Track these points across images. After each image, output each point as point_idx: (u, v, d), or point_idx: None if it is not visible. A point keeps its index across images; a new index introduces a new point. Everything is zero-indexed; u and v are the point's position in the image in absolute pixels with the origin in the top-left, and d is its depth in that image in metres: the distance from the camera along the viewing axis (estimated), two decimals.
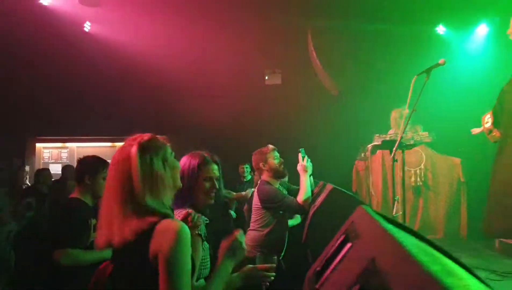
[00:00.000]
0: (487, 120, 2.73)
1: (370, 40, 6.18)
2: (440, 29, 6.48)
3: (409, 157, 5.21)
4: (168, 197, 1.32)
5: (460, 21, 6.20)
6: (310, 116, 6.46)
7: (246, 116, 6.79)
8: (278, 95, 7.00)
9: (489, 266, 3.52)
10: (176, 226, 1.21)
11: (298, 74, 6.85)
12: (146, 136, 1.34)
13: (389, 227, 0.81)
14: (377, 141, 5.44)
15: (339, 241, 0.99)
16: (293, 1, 5.67)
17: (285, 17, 5.99)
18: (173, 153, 1.39)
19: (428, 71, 3.00)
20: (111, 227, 1.25)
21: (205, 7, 6.05)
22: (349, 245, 0.93)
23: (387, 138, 5.08)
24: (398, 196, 3.46)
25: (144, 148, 1.29)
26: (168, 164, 1.33)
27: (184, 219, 1.59)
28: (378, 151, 5.53)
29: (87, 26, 6.64)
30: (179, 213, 1.67)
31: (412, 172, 5.15)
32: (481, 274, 1.78)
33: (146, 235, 1.21)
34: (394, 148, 3.02)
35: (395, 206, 3.16)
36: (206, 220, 1.74)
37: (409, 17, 6.06)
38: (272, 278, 1.61)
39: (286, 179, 3.26)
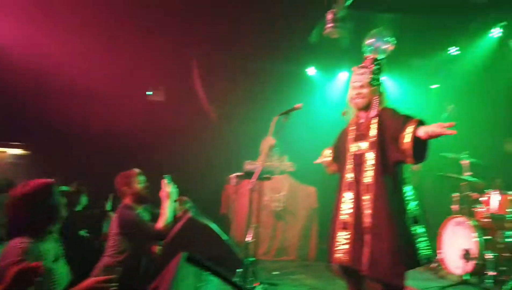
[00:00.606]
0: (328, 154, 3.20)
1: (250, 75, 6.65)
2: (311, 71, 7.29)
3: (274, 183, 5.71)
4: None
5: (327, 66, 7.09)
6: (190, 136, 6.58)
7: (124, 130, 6.59)
8: (159, 112, 6.97)
9: (326, 287, 4.07)
10: None
11: (182, 93, 6.94)
12: None
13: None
14: (246, 168, 5.85)
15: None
16: (179, 27, 5.79)
17: (171, 38, 6.06)
18: None
19: (286, 113, 3.38)
20: None
21: (91, 13, 5.77)
22: None
23: (253, 167, 5.51)
24: (256, 223, 3.77)
25: None
26: None
27: None
28: None
29: None
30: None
31: (275, 197, 5.65)
32: None
33: None
34: (253, 179, 3.31)
35: (250, 233, 3.44)
36: None
37: (284, 57, 6.69)
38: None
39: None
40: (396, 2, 5.33)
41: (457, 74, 6.13)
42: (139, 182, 3.13)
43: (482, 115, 5.42)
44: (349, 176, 2.80)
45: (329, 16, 5.21)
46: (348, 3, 5.04)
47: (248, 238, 3.44)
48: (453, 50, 6.16)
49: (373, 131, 2.70)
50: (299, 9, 5.50)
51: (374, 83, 2.76)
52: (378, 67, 2.83)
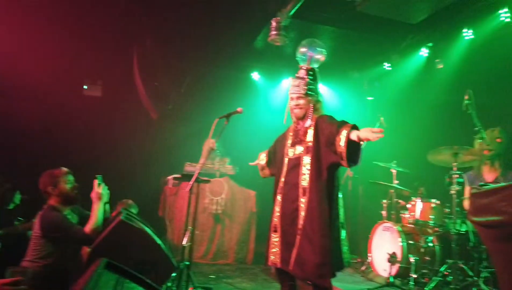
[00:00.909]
0: (263, 158, 3.25)
1: (194, 75, 6.56)
2: (255, 76, 7.38)
3: (214, 186, 5.67)
4: None
5: (271, 72, 7.21)
6: (128, 135, 6.33)
7: (59, 125, 6.18)
8: (96, 108, 6.63)
9: None
10: None
11: (121, 89, 6.65)
12: None
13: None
14: (186, 169, 5.75)
15: None
16: (120, 20, 5.52)
17: (111, 29, 5.78)
18: None
19: (227, 116, 3.38)
20: None
21: (24, 5, 5.33)
22: None
23: (193, 169, 5.43)
24: (194, 226, 3.70)
25: None
26: None
27: None
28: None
29: None
30: None
31: (215, 200, 5.60)
32: None
33: None
34: (191, 181, 3.26)
35: (186, 236, 3.38)
36: None
37: (229, 61, 6.70)
38: None
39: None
40: (337, 17, 5.59)
41: (390, 88, 6.53)
42: (67, 182, 2.94)
43: (410, 127, 5.82)
44: (283, 179, 2.87)
45: (274, 23, 5.32)
46: (291, 12, 5.18)
47: (184, 242, 3.38)
48: (387, 66, 6.56)
49: (310, 137, 2.79)
50: (245, 14, 5.54)
51: (310, 93, 2.86)
52: (312, 78, 2.93)
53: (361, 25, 5.65)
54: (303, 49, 3.10)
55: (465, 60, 5.25)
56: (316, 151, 2.74)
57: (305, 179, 2.72)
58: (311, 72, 2.93)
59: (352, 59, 6.89)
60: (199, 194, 5.39)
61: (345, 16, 5.43)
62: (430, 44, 5.73)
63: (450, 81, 5.43)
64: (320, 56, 3.08)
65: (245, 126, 7.04)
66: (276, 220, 2.84)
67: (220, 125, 3.41)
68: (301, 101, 2.85)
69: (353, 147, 2.54)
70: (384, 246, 4.35)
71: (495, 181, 4.17)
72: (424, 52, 5.82)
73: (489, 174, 4.08)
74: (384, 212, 4.76)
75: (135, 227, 2.67)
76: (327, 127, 2.71)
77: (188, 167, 5.73)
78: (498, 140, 4.07)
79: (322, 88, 7.22)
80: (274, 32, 5.29)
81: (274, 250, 2.79)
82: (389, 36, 5.98)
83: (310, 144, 2.77)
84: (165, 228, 5.47)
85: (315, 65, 3.06)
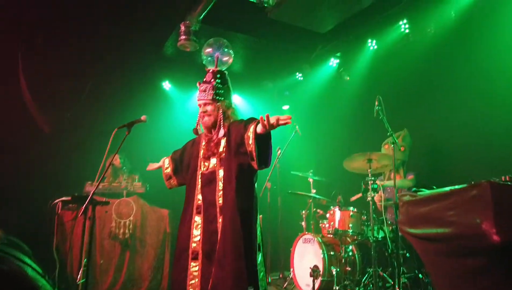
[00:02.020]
0: (167, 165, 2.88)
1: (101, 84, 5.87)
2: (166, 85, 6.93)
3: (120, 207, 5.07)
4: None
5: (182, 81, 6.81)
6: (13, 151, 5.37)
7: None
8: None
9: None
10: None
11: (1, 96, 5.57)
12: None
13: None
14: (87, 190, 5.06)
15: None
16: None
17: None
18: None
19: (129, 125, 2.93)
20: None
21: None
22: None
23: (91, 191, 4.79)
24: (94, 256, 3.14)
25: None
26: None
27: None
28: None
29: None
30: None
31: (122, 223, 4.99)
32: None
33: None
34: (84, 204, 2.73)
35: (80, 272, 2.82)
36: None
37: (139, 69, 6.18)
38: None
39: None
40: (249, 24, 5.45)
41: (303, 97, 6.57)
42: None
43: (325, 136, 5.88)
44: (199, 197, 2.53)
45: (183, 27, 4.98)
46: (201, 16, 4.89)
47: (78, 278, 2.81)
48: (299, 76, 6.61)
49: (222, 147, 2.51)
50: (152, 16, 5.10)
51: (218, 98, 2.57)
52: (221, 81, 2.65)
53: (273, 33, 5.60)
54: (208, 50, 2.79)
55: (371, 70, 5.46)
56: (229, 163, 2.45)
57: (221, 197, 2.42)
58: (218, 75, 2.64)
59: (265, 69, 6.82)
60: (99, 219, 4.78)
61: (258, 24, 5.33)
62: (338, 54, 5.87)
63: (359, 90, 5.59)
64: (227, 57, 2.80)
65: (156, 138, 6.52)
66: (195, 245, 2.47)
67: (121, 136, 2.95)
68: (209, 108, 2.56)
69: (263, 144, 2.33)
70: (306, 259, 4.19)
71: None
72: (333, 62, 5.95)
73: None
74: (303, 223, 4.63)
75: (3, 268, 2.08)
76: (237, 129, 2.47)
77: (89, 187, 5.05)
78: (402, 148, 4.20)
79: (236, 98, 7.05)
80: (183, 37, 4.94)
81: (192, 282, 2.41)
82: (300, 46, 6.03)
83: (224, 155, 2.47)
84: (61, 261, 4.69)
85: (223, 67, 2.78)
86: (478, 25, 4.13)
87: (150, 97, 6.61)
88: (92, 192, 2.73)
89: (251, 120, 2.42)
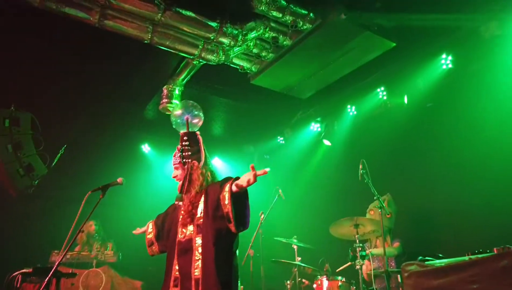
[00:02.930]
0: (150, 230, 2.66)
1: (72, 144, 5.68)
2: (146, 148, 6.81)
3: (89, 279, 4.65)
4: None
5: (162, 144, 6.69)
6: None
7: None
8: None
9: None
10: None
11: None
12: None
13: None
14: (52, 260, 4.65)
15: None
16: None
17: None
18: None
19: (104, 188, 2.73)
20: None
21: None
22: None
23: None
24: None
25: None
26: None
27: None
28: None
29: None
30: None
31: None
32: None
33: None
34: (47, 277, 2.43)
35: None
36: None
37: (116, 132, 6.07)
38: None
39: None
40: (231, 89, 5.53)
41: (285, 161, 6.53)
42: None
43: (309, 200, 5.75)
44: (177, 267, 2.30)
45: (165, 91, 4.98)
46: (184, 81, 4.93)
47: None
48: (280, 139, 6.63)
49: (200, 213, 2.35)
50: (134, 80, 5.11)
51: (185, 161, 2.46)
52: (189, 143, 2.55)
53: (255, 98, 5.67)
54: (177, 112, 2.72)
55: (352, 134, 5.52)
56: (206, 228, 2.26)
57: (197, 268, 2.19)
58: (185, 137, 2.55)
59: (247, 133, 6.83)
60: None
61: (240, 89, 5.40)
62: (318, 119, 5.95)
63: (341, 154, 5.61)
64: (197, 119, 2.73)
65: (132, 204, 6.23)
66: None
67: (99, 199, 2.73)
68: (178, 172, 2.46)
69: (240, 203, 2.19)
70: None
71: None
72: (314, 126, 6.01)
73: (381, 247, 3.99)
74: None
75: None
76: (213, 191, 2.33)
77: (55, 257, 4.65)
78: (388, 215, 4.10)
79: (217, 161, 6.94)
80: (165, 100, 4.92)
81: None
82: (282, 110, 6.11)
83: (201, 221, 2.30)
84: None
85: (195, 129, 2.70)
86: (458, 87, 4.30)
87: (128, 160, 6.42)
88: (57, 263, 2.44)
89: (227, 179, 2.29)
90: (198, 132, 2.62)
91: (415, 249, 4.00)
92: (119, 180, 2.81)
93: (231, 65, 4.46)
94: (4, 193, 5.19)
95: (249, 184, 2.08)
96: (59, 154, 5.32)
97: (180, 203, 2.47)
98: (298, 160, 6.30)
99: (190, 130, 2.62)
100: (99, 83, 5.05)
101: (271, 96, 5.41)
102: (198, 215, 2.33)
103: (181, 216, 2.40)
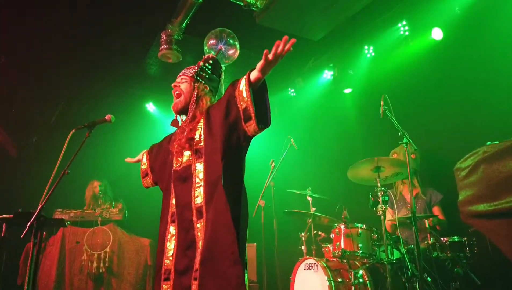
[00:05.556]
0: (145, 161, 2.45)
1: (70, 102, 5.40)
2: (150, 107, 6.53)
3: (95, 238, 4.45)
4: None
5: (166, 102, 6.37)
6: None
7: None
8: None
9: None
10: None
11: None
12: None
13: None
14: (57, 217, 4.45)
15: None
16: None
17: None
18: None
19: (90, 125, 2.44)
20: None
21: None
22: None
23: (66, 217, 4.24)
24: None
25: None
26: None
27: None
28: (60, 230, 4.52)
29: None
30: None
31: (96, 256, 4.36)
32: None
33: None
34: (29, 222, 2.16)
35: None
36: None
37: (117, 88, 5.77)
38: None
39: None
40: (237, 34, 5.09)
41: (297, 111, 6.14)
42: None
43: (322, 148, 5.39)
44: (174, 202, 2.02)
45: (164, 36, 4.59)
46: (183, 24, 4.51)
47: None
48: (292, 91, 6.22)
49: (199, 135, 2.01)
50: (130, 26, 4.71)
51: (198, 79, 2.12)
52: (211, 67, 2.22)
53: (262, 44, 5.22)
54: (211, 41, 2.49)
55: (369, 78, 5.06)
56: (210, 151, 1.94)
57: (199, 195, 1.89)
58: (211, 61, 2.22)
59: None
60: (68, 251, 4.23)
61: (245, 35, 4.96)
62: (331, 65, 5.49)
63: (358, 100, 5.18)
64: (232, 50, 2.47)
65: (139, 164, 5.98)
66: (168, 262, 1.96)
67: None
68: (184, 85, 2.11)
69: (259, 97, 1.87)
70: (309, 289, 3.57)
71: (416, 198, 3.78)
72: (328, 74, 5.56)
73: (408, 193, 3.64)
74: (303, 247, 4.01)
75: None
76: (218, 105, 2.01)
77: (59, 215, 4.45)
78: (413, 156, 3.72)
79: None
80: (164, 46, 4.53)
81: None
82: (292, 58, 5.66)
83: (201, 144, 1.98)
84: None
85: (227, 62, 2.43)
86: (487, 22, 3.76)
87: (133, 119, 6.16)
88: (39, 207, 2.16)
89: (236, 80, 1.94)
90: (222, 72, 2.31)
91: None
92: (107, 117, 2.55)
93: (233, 0, 4.04)
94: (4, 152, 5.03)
95: (270, 65, 1.77)
96: (57, 110, 5.07)
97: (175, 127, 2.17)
98: (310, 110, 5.89)
99: (221, 61, 2.34)
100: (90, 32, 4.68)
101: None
102: (197, 138, 2.01)
103: (176, 145, 2.07)
